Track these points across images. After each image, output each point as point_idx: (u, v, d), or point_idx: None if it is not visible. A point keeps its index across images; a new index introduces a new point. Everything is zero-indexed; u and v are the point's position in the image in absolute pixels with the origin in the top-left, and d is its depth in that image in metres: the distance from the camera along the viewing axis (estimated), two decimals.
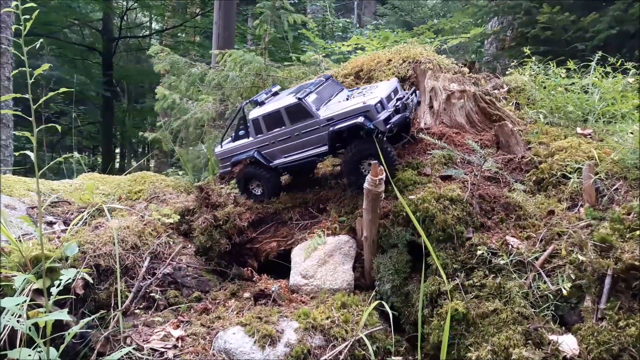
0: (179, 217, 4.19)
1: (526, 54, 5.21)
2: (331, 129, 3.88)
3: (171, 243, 4.00)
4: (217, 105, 5.52)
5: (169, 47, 21.60)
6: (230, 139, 4.50)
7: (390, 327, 3.30)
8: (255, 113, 4.20)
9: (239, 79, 5.75)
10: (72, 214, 4.12)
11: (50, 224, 3.96)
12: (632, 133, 3.64)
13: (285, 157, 4.17)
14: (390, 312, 3.26)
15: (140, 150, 26.57)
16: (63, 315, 2.56)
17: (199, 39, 22.55)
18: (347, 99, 4.05)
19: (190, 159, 6.30)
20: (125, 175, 5.91)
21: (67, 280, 2.80)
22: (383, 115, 3.74)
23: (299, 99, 3.96)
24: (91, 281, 3.39)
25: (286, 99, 4.11)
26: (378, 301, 3.34)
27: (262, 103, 4.32)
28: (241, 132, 4.42)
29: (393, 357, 3.26)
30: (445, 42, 13.85)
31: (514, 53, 10.72)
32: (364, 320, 3.20)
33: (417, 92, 4.35)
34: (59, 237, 3.75)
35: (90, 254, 3.53)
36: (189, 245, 4.10)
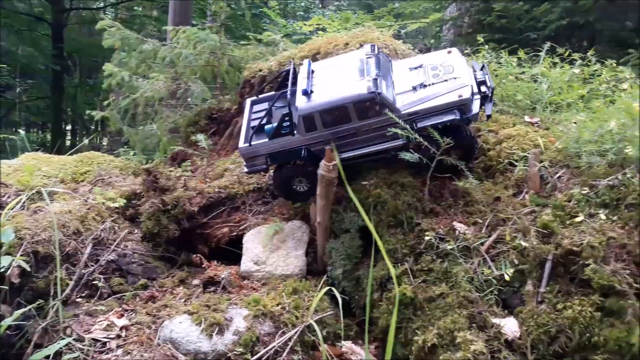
0: (124, 201, 4.06)
1: (480, 42, 5.27)
2: (419, 125, 3.38)
3: (116, 228, 3.88)
4: (169, 84, 5.34)
5: (124, 21, 20.81)
6: (251, 132, 3.81)
7: (341, 312, 3.31)
8: (307, 108, 3.49)
9: (192, 57, 5.56)
10: (9, 197, 3.90)
11: None
12: (575, 123, 3.75)
13: (344, 154, 3.60)
14: (340, 297, 3.27)
15: (92, 127, 25.63)
16: None
17: (156, 13, 21.73)
18: (425, 86, 3.53)
19: (140, 139, 6.09)
20: (71, 155, 5.66)
21: (1, 269, 2.64)
22: (476, 107, 3.43)
23: (377, 93, 3.37)
24: (28, 269, 3.23)
25: (349, 89, 3.46)
26: (329, 287, 3.34)
27: (307, 92, 3.54)
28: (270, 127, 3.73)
29: (342, 342, 3.29)
30: (405, 26, 13.94)
31: (470, 39, 10.89)
32: (314, 306, 3.21)
33: (486, 67, 3.84)
34: None
35: (28, 240, 3.37)
36: (136, 231, 3.99)
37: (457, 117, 3.37)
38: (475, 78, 3.57)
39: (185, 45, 5.37)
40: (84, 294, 3.41)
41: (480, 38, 5.35)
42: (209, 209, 4.12)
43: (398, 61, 3.99)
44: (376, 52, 3.69)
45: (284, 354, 3.02)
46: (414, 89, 3.56)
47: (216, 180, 4.45)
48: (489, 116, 3.55)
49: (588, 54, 5.31)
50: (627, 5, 8.74)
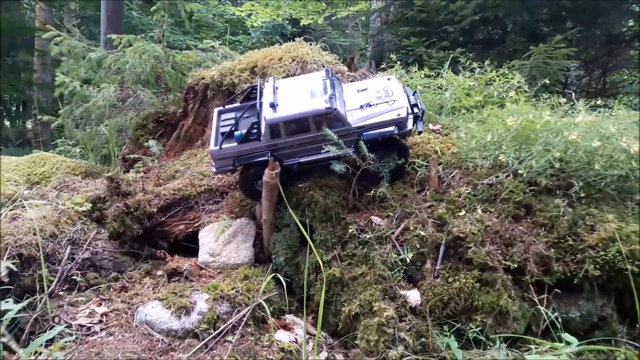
0: (91, 205, 4.57)
1: (393, 59, 6.10)
2: (365, 136, 4.09)
3: (86, 230, 4.41)
4: (118, 92, 5.76)
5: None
6: (221, 137, 4.31)
7: (284, 292, 4.10)
8: (274, 118, 4.05)
9: (138, 64, 6.01)
10: None
11: None
12: (465, 133, 4.68)
13: (301, 158, 4.25)
14: (283, 280, 4.05)
15: (14, 109, 24.32)
16: (9, 305, 2.98)
17: None
18: (370, 105, 4.23)
19: (90, 140, 6.49)
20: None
21: (6, 271, 3.19)
22: (410, 124, 4.18)
23: (333, 109, 3.99)
24: (15, 269, 3.75)
25: (310, 104, 4.06)
26: (274, 273, 4.10)
27: (274, 105, 4.11)
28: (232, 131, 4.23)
29: (286, 315, 4.09)
30: (335, 14, 14.74)
31: (395, 29, 11.78)
32: (263, 288, 3.97)
33: (418, 92, 4.50)
34: None
35: (12, 245, 3.86)
36: (103, 231, 4.53)
37: (396, 132, 4.14)
38: (409, 101, 4.33)
39: (132, 56, 5.80)
40: (64, 288, 3.96)
41: (393, 57, 6.19)
42: (166, 209, 4.72)
43: (348, 84, 4.71)
44: (331, 75, 4.39)
45: (240, 327, 3.76)
46: (362, 107, 4.25)
47: (170, 182, 5.04)
48: (420, 132, 4.33)
49: (485, 63, 6.29)
50: (530, 2, 9.67)
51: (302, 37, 5.65)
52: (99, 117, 5.98)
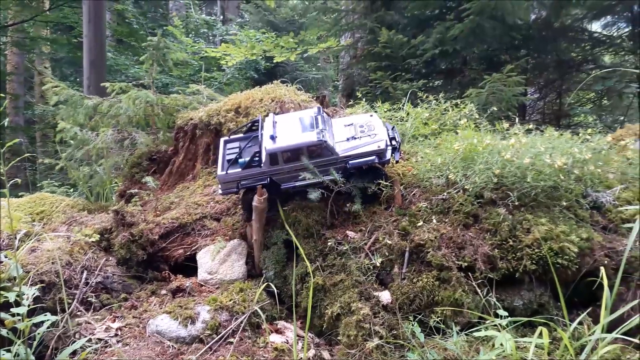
0: (98, 236, 5.15)
1: (359, 96, 6.93)
2: (350, 164, 4.77)
3: (96, 257, 4.99)
4: (115, 135, 6.41)
5: (18, 43, 20.44)
6: (227, 164, 4.94)
7: (275, 301, 4.73)
8: (273, 148, 4.68)
9: (131, 109, 6.68)
10: (3, 240, 4.86)
11: None
12: (422, 157, 5.48)
13: (296, 182, 4.86)
14: (275, 290, 4.68)
15: None
16: (49, 316, 3.55)
17: (48, 33, 21.63)
18: (355, 138, 4.91)
19: (86, 179, 7.07)
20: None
21: (34, 294, 3.76)
22: (389, 154, 4.82)
23: (323, 141, 4.64)
24: (38, 294, 4.29)
25: (304, 137, 4.70)
26: (265, 284, 4.74)
27: (274, 137, 4.75)
28: (235, 158, 4.90)
29: (278, 321, 4.72)
30: (306, 51, 15.69)
31: (363, 64, 12.68)
32: (256, 298, 4.59)
33: (395, 128, 5.18)
34: (1, 262, 4.52)
35: (34, 273, 4.42)
36: (110, 258, 5.11)
37: (376, 161, 4.86)
38: (388, 134, 5.05)
39: (126, 102, 6.47)
40: (81, 309, 4.52)
41: (359, 94, 7.03)
42: (166, 236, 5.32)
43: (336, 119, 5.41)
44: (321, 112, 5.08)
45: (239, 332, 4.36)
46: (348, 139, 4.90)
47: (167, 212, 5.67)
48: (397, 161, 5.09)
49: (440, 95, 7.16)
50: (484, 34, 10.58)
51: (280, 79, 6.40)
52: (97, 158, 6.59)
